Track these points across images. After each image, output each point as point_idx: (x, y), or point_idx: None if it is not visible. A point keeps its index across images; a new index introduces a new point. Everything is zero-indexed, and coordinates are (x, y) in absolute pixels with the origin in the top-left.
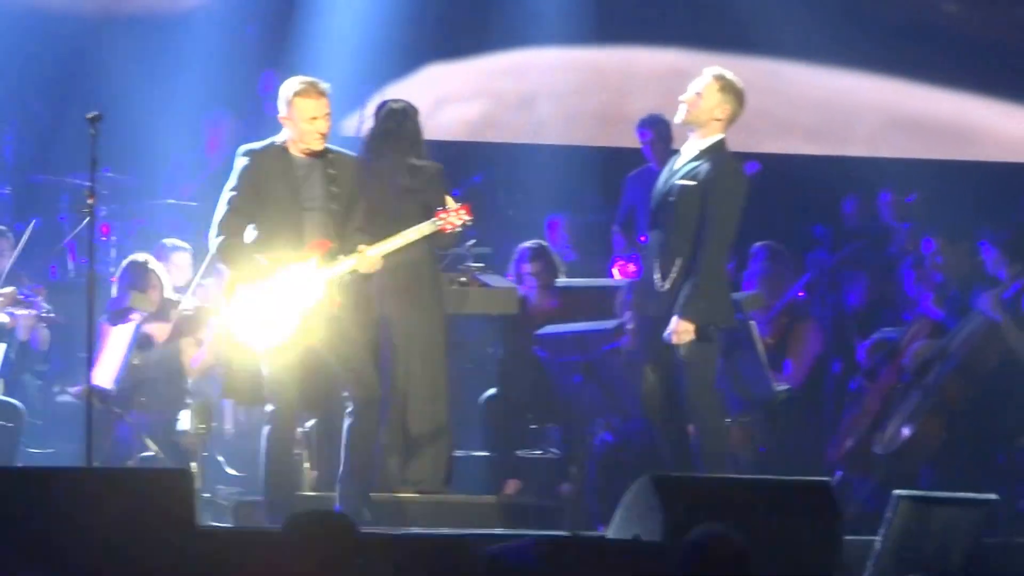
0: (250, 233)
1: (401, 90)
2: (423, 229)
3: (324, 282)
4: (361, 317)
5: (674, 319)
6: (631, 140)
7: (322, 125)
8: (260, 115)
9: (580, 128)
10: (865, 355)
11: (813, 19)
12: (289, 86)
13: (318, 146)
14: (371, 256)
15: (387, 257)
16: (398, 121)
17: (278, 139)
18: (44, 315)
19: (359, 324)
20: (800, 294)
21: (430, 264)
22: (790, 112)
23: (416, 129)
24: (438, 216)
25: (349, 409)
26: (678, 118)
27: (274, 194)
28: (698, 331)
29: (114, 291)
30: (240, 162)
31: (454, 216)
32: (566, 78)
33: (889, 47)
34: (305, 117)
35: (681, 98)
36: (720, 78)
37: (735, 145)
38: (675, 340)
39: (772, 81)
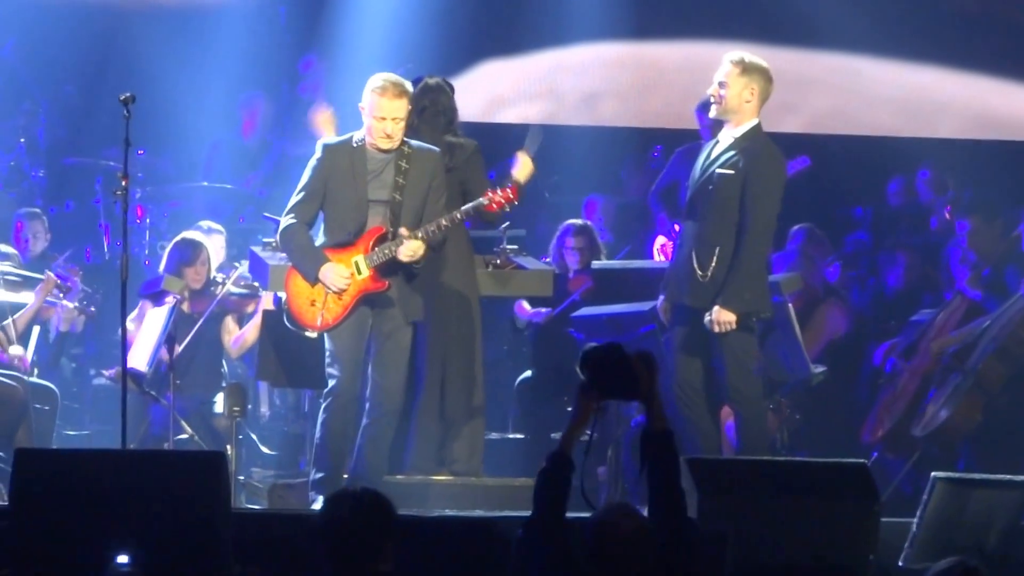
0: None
1: (458, 87)
2: (468, 210)
3: (370, 267)
4: (407, 314)
5: (716, 308)
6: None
7: (389, 127)
8: (294, 96)
9: (641, 124)
10: (881, 357)
11: (886, 11)
12: (371, 80)
13: (384, 144)
14: (410, 242)
15: (433, 239)
16: (433, 98)
17: (358, 134)
18: (81, 304)
19: (408, 327)
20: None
21: (464, 246)
22: (871, 115)
23: (451, 106)
24: (486, 195)
25: (369, 411)
26: (712, 113)
27: (342, 189)
28: (739, 320)
29: (162, 268)
30: (314, 156)
31: (501, 195)
32: (628, 75)
33: (969, 40)
34: (374, 114)
35: (708, 92)
36: (739, 62)
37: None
38: (717, 329)
39: (850, 80)
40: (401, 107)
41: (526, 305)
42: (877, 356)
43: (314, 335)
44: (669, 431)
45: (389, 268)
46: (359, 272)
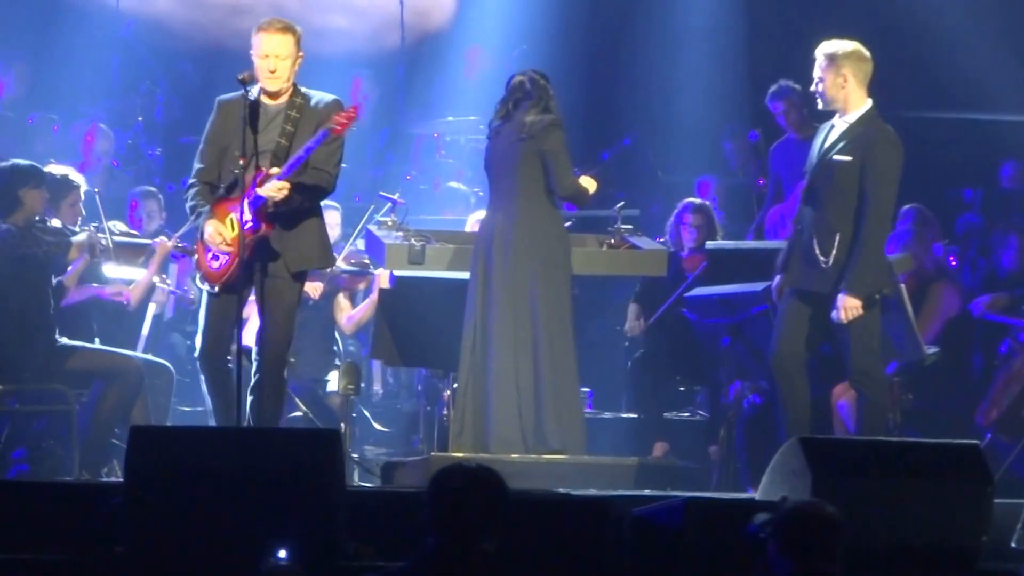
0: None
1: None
2: (327, 154)
3: (250, 211)
4: (289, 262)
5: (841, 296)
6: None
7: (272, 63)
8: (407, 75)
9: None
10: (979, 308)
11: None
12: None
13: (269, 86)
14: (274, 181)
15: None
16: (525, 91)
17: (255, 88)
18: (181, 290)
19: (292, 280)
20: (950, 258)
21: (554, 227)
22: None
23: (546, 96)
24: (332, 121)
25: (256, 368)
26: (819, 106)
27: (235, 141)
28: (864, 305)
29: None
30: (212, 113)
31: (344, 116)
32: None
33: None
34: (257, 52)
35: (811, 89)
36: (824, 53)
37: None
38: (844, 316)
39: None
40: (283, 43)
41: None
42: (975, 307)
43: (214, 289)
44: None
45: (270, 213)
46: (244, 214)
